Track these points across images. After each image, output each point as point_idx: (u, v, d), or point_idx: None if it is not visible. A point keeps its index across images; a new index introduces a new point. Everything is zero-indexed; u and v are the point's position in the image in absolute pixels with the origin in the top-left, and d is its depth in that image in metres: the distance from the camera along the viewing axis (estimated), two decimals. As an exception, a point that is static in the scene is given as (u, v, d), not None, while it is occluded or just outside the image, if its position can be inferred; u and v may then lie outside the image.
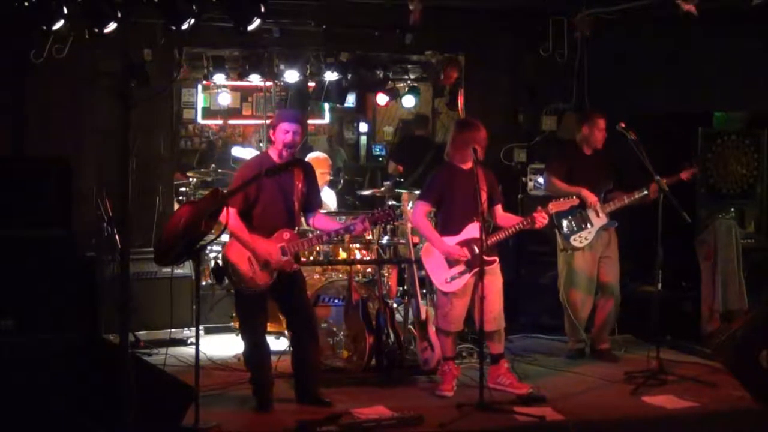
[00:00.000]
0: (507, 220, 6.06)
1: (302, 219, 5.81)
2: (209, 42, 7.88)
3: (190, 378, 5.07)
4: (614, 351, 6.94)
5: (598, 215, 6.68)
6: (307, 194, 5.65)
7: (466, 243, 5.89)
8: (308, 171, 5.74)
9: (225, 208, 5.20)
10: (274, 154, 5.60)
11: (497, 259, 5.91)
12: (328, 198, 7.55)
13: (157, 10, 5.96)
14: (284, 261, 5.47)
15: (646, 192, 6.52)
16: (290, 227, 5.55)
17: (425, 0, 7.31)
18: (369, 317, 6.33)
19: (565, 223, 6.69)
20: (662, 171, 6.40)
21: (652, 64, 8.22)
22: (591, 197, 6.62)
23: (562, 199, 6.04)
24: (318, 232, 5.84)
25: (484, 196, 5.72)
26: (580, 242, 6.68)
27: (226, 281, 5.58)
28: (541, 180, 7.89)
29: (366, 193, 8.74)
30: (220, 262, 5.64)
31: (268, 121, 5.98)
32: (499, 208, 6.07)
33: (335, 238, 6.31)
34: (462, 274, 5.89)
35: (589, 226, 6.68)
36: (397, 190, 7.62)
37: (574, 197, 6.17)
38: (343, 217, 7.21)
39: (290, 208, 5.55)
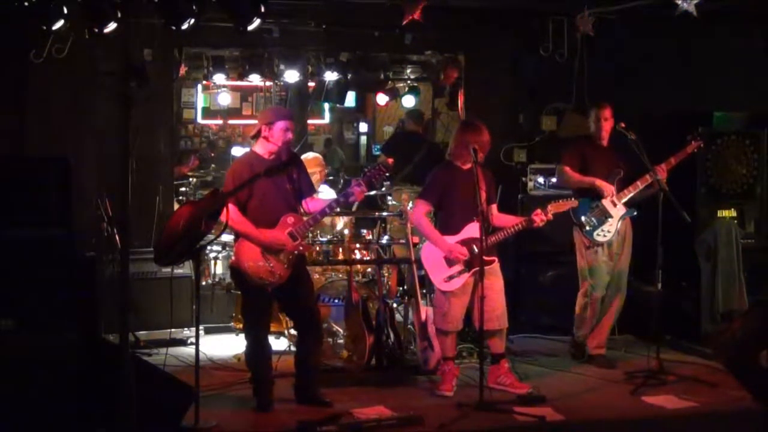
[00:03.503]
0: (502, 220, 6.06)
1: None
2: (209, 42, 7.88)
3: (190, 378, 5.08)
4: (609, 356, 6.79)
5: (615, 205, 6.57)
6: (298, 180, 5.64)
7: (465, 243, 5.89)
8: (295, 159, 5.74)
9: (225, 208, 5.21)
10: (263, 151, 5.59)
11: (496, 259, 5.91)
12: (328, 197, 7.54)
13: (157, 10, 5.96)
14: (297, 245, 5.47)
15: (650, 179, 6.43)
16: (292, 212, 5.55)
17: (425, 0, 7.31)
18: (369, 317, 6.33)
19: (584, 219, 6.55)
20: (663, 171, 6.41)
21: (652, 64, 8.22)
22: (607, 187, 6.52)
23: (561, 201, 6.02)
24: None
25: (483, 195, 5.72)
26: (603, 236, 6.56)
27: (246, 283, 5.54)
28: (541, 180, 7.88)
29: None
30: (234, 266, 5.61)
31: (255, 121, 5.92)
32: (494, 207, 6.08)
33: (337, 210, 6.12)
34: (461, 273, 5.89)
35: (609, 218, 6.56)
36: (394, 188, 7.62)
37: (573, 199, 6.14)
38: (344, 217, 7.22)
39: (286, 195, 5.55)
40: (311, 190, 5.79)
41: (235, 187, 5.40)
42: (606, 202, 6.57)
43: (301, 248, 5.50)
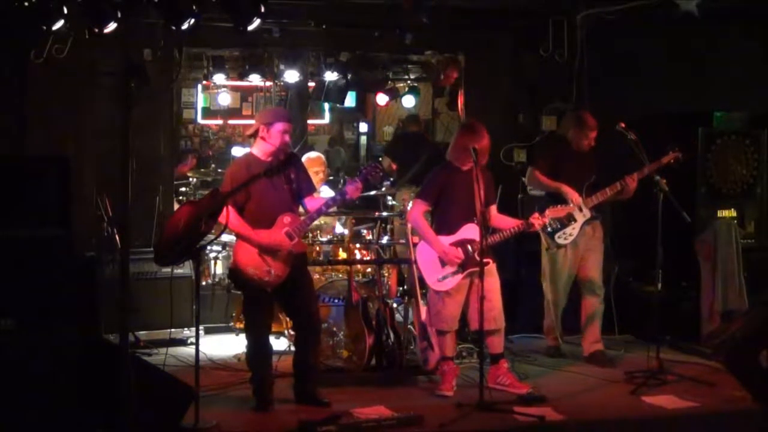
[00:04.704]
0: (501, 221, 6.06)
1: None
2: (209, 42, 7.88)
3: (190, 378, 5.09)
4: (608, 352, 6.80)
5: (581, 210, 6.55)
6: (297, 180, 5.64)
7: (461, 243, 5.90)
8: (294, 159, 5.74)
9: (225, 208, 5.21)
10: (260, 153, 5.59)
11: (491, 260, 5.91)
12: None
13: (157, 10, 5.97)
14: (294, 244, 5.47)
15: (620, 187, 6.45)
16: (289, 212, 5.54)
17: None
18: (369, 317, 6.33)
19: (547, 221, 6.61)
20: (662, 171, 6.40)
21: (652, 64, 8.22)
22: (573, 194, 6.50)
23: (559, 206, 6.05)
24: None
25: (481, 196, 5.72)
26: (565, 239, 6.55)
27: (245, 284, 5.55)
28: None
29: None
30: (232, 267, 5.62)
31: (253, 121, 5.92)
32: (493, 208, 6.08)
33: (334, 209, 6.13)
34: (455, 273, 5.89)
35: (573, 222, 6.54)
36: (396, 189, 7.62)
37: (570, 204, 6.15)
38: (344, 216, 7.22)
39: (284, 196, 5.54)
40: (311, 189, 5.78)
41: (233, 189, 5.40)
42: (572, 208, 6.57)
43: (297, 247, 5.49)
